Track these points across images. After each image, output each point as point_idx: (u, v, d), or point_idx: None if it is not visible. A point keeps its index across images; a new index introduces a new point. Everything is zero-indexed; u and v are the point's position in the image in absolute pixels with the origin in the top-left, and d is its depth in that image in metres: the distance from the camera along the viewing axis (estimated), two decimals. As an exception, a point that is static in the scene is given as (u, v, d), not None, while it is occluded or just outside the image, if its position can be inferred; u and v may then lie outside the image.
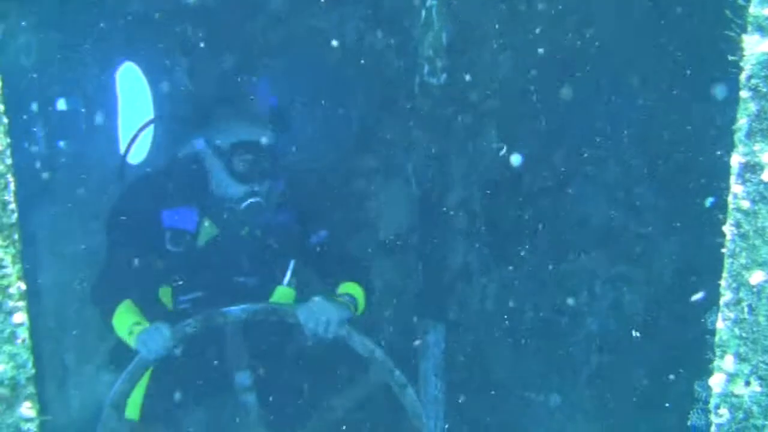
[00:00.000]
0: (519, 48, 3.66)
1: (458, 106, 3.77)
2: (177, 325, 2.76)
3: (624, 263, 3.78)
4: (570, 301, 3.81)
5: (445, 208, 3.94)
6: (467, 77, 3.71)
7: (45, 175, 3.90)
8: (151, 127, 3.57)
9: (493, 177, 3.88)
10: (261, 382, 3.18)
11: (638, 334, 3.63)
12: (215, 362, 3.11)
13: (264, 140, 3.01)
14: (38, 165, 3.97)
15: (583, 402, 3.84)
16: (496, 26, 3.64)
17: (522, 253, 3.87)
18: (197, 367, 3.06)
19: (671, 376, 3.40)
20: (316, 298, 2.85)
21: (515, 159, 3.65)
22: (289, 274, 3.18)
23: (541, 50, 3.56)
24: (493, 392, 3.87)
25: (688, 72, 3.22)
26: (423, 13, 3.67)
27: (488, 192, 3.91)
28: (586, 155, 3.71)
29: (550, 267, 3.81)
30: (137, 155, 3.55)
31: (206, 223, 3.09)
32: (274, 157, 3.03)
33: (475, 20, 3.70)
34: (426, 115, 3.82)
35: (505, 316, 3.90)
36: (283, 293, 3.18)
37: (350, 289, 3.13)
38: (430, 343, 3.83)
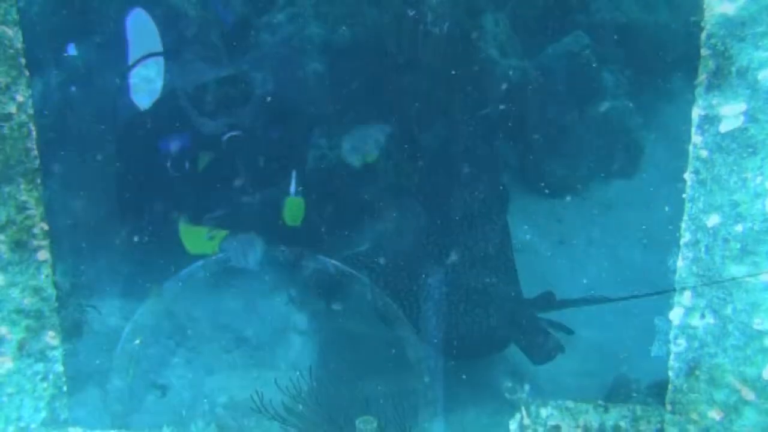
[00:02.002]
0: None
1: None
2: (270, 247, 2.87)
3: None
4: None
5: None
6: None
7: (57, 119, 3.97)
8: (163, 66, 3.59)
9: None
10: None
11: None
12: None
13: (224, 74, 3.03)
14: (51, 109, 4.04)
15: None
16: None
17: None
18: None
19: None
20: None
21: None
22: (293, 183, 3.28)
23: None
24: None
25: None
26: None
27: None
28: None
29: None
30: (148, 97, 3.56)
31: (201, 150, 3.17)
32: (237, 88, 3.09)
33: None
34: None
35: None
36: (293, 203, 3.29)
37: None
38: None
